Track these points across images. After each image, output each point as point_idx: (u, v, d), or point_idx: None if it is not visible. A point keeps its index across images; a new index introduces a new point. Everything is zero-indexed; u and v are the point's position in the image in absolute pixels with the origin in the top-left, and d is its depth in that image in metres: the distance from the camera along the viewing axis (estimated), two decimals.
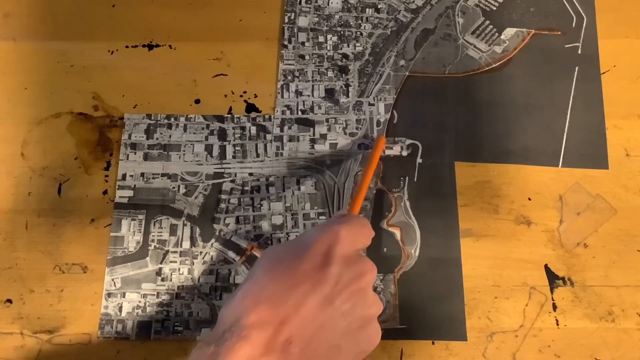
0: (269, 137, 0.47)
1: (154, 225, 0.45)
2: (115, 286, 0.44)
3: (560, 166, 0.47)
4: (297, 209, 0.46)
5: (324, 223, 0.42)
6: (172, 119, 0.48)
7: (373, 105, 0.48)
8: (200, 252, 0.45)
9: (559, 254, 0.45)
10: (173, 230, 0.45)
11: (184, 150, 0.47)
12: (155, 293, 0.44)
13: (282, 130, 0.47)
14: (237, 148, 0.47)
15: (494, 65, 0.49)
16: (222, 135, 0.47)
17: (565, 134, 0.47)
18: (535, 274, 0.45)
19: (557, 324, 0.44)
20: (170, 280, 0.44)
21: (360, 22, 0.50)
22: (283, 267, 0.34)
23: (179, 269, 0.44)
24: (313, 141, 0.47)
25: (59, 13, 0.50)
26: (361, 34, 0.50)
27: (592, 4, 0.51)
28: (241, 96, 0.48)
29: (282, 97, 0.48)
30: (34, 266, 0.44)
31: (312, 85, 0.49)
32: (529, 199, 0.46)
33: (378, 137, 0.46)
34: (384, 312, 0.43)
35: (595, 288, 0.44)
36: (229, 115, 0.48)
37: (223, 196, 0.46)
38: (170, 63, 0.49)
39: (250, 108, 0.48)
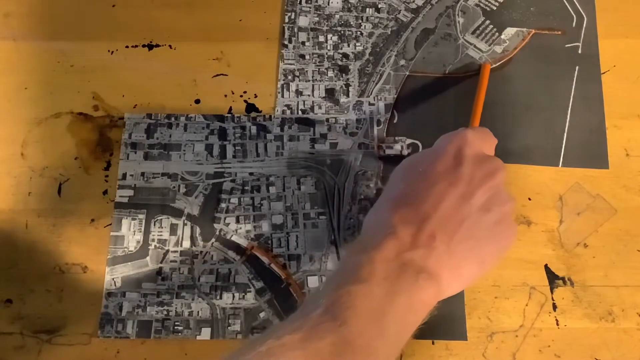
0: (269, 136, 0.47)
1: (154, 224, 0.45)
2: (115, 286, 0.44)
3: (560, 166, 0.47)
4: (298, 209, 0.46)
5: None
6: (173, 119, 0.48)
7: (373, 104, 0.48)
8: (201, 252, 0.45)
9: (559, 254, 0.45)
10: (173, 229, 0.45)
11: (184, 150, 0.47)
12: (156, 292, 0.44)
13: (282, 130, 0.47)
14: (237, 148, 0.47)
15: (494, 65, 0.49)
16: (223, 134, 0.47)
17: (565, 134, 0.47)
18: (535, 274, 0.45)
19: (557, 324, 0.44)
20: (171, 279, 0.44)
21: (360, 21, 0.50)
22: (419, 172, 0.36)
23: (179, 269, 0.44)
24: (313, 141, 0.47)
25: (59, 13, 0.50)
26: (361, 33, 0.50)
27: (592, 4, 0.51)
28: (241, 96, 0.48)
29: (283, 96, 0.48)
30: (34, 266, 0.44)
31: (313, 85, 0.49)
32: (529, 199, 0.46)
33: (483, 65, 0.48)
34: None
35: (595, 288, 0.44)
36: (229, 115, 0.48)
37: (223, 196, 0.46)
38: (170, 63, 0.49)
39: (250, 108, 0.48)
